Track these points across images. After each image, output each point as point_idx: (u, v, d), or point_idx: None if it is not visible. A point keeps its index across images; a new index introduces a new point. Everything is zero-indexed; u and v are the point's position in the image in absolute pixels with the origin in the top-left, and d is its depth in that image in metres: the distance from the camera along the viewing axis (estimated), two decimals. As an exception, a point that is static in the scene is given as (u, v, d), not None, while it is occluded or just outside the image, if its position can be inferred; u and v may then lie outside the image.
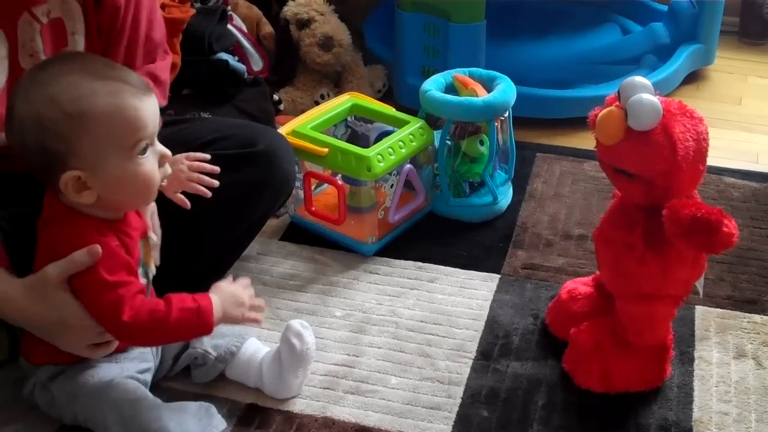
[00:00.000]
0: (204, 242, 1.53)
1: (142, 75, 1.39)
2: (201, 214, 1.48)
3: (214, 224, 1.53)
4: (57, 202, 1.23)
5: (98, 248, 1.19)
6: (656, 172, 1.27)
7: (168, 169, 1.27)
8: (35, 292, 1.21)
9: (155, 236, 1.36)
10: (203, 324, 1.25)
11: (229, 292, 1.29)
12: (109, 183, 1.20)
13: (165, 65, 1.53)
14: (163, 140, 1.27)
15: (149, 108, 1.20)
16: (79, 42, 1.38)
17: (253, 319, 1.31)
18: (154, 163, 1.23)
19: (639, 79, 1.28)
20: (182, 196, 1.42)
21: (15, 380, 1.39)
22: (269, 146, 1.55)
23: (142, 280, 1.29)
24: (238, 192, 1.51)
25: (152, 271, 1.34)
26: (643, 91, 1.26)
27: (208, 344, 1.40)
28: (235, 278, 1.35)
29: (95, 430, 1.29)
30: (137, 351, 1.35)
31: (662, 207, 1.28)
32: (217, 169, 1.43)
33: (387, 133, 1.84)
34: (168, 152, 1.26)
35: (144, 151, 1.21)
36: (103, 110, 1.16)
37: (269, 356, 1.41)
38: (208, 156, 1.44)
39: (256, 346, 1.44)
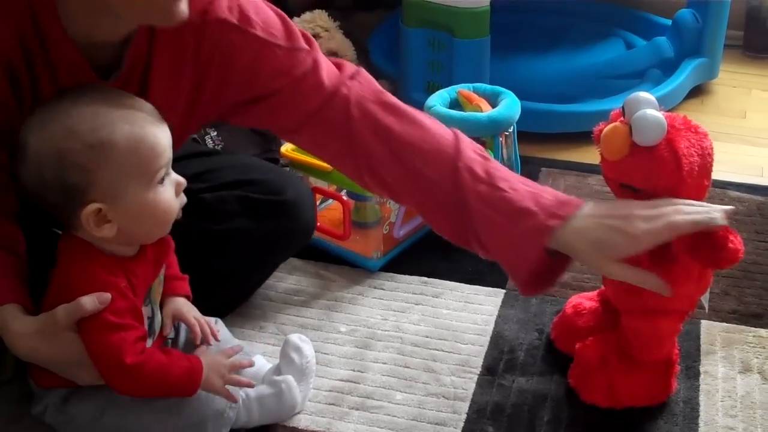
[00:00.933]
0: (221, 283, 1.55)
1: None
2: (221, 256, 1.50)
3: (233, 266, 1.55)
4: (72, 237, 1.22)
5: (108, 296, 1.19)
6: (661, 187, 1.28)
7: (183, 198, 1.26)
8: (46, 332, 1.20)
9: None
10: (192, 385, 1.25)
11: (213, 359, 1.28)
12: (129, 214, 1.19)
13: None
14: (185, 173, 1.28)
15: (166, 136, 1.20)
16: None
17: (227, 395, 1.28)
18: (172, 192, 1.23)
19: (643, 94, 1.28)
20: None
21: (22, 395, 1.39)
22: (296, 196, 1.57)
23: (147, 320, 1.30)
24: (261, 238, 1.54)
25: (157, 319, 1.34)
26: (648, 106, 1.26)
27: None
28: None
29: None
30: None
31: (667, 222, 1.28)
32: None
33: (392, 149, 1.84)
34: (183, 181, 1.25)
35: (162, 180, 1.21)
36: (124, 139, 1.15)
37: (270, 372, 1.41)
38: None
39: (260, 363, 1.44)
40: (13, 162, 1.20)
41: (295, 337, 1.40)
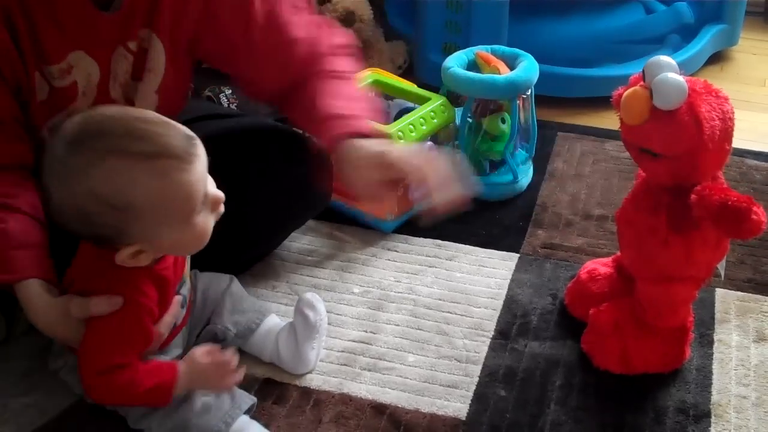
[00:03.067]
0: (240, 247, 1.55)
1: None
2: (242, 220, 1.48)
3: (252, 231, 1.55)
4: (97, 250, 1.19)
5: (119, 300, 1.18)
6: (682, 152, 1.26)
7: (221, 209, 1.21)
8: (63, 316, 1.20)
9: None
10: (162, 398, 1.23)
11: (200, 366, 1.25)
12: (167, 248, 1.19)
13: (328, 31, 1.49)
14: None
15: (198, 173, 1.13)
16: (153, 80, 1.39)
17: (223, 386, 1.26)
18: (208, 216, 1.18)
19: (664, 58, 1.26)
20: None
21: (38, 349, 1.40)
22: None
23: (181, 304, 1.30)
24: (281, 202, 1.54)
25: (188, 288, 1.34)
26: (669, 70, 1.24)
27: (229, 321, 1.40)
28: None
29: (126, 417, 1.29)
30: (173, 342, 1.34)
31: (687, 187, 1.27)
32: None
33: (408, 110, 1.83)
34: (221, 196, 1.20)
35: (199, 211, 1.16)
36: (151, 196, 1.10)
37: (284, 330, 1.41)
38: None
39: (273, 321, 1.44)
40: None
41: (309, 295, 1.40)
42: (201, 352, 1.25)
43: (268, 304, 1.50)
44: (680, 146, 1.26)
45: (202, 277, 1.44)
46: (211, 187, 1.18)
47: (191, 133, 1.15)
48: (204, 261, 1.40)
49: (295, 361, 1.41)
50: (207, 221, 1.19)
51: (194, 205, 1.15)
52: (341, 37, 1.49)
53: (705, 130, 1.23)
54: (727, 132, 1.27)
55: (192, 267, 1.39)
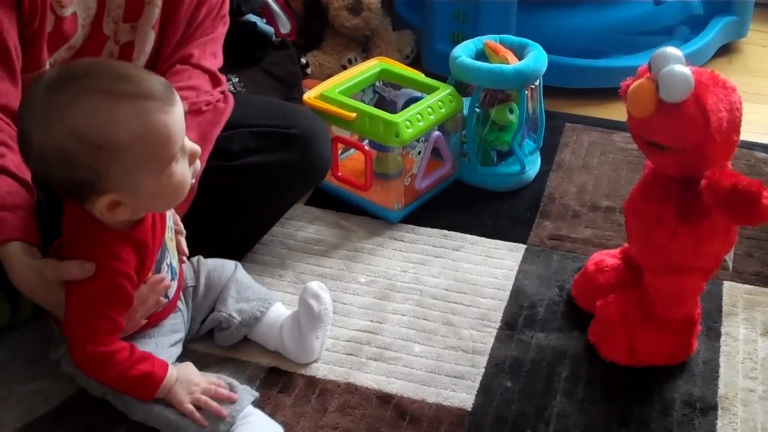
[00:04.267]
0: (234, 220, 1.54)
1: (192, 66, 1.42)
2: (234, 193, 1.48)
3: (246, 203, 1.54)
4: (78, 211, 1.19)
5: (92, 266, 1.17)
6: (689, 144, 1.25)
7: (198, 165, 1.22)
8: (41, 279, 1.20)
9: (181, 228, 1.36)
10: (146, 389, 1.23)
11: (188, 375, 1.26)
12: (144, 197, 1.16)
13: (215, 47, 1.51)
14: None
15: (177, 118, 1.15)
16: (152, 13, 1.39)
17: (190, 413, 1.23)
18: (186, 167, 1.19)
19: (671, 50, 1.25)
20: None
21: (41, 337, 1.40)
22: (307, 129, 1.56)
23: (167, 276, 1.29)
24: (274, 171, 1.52)
25: (177, 266, 1.34)
26: (675, 62, 1.23)
27: (233, 308, 1.40)
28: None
29: (119, 407, 1.29)
30: (170, 323, 1.35)
31: (695, 179, 1.26)
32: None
33: (415, 100, 1.82)
34: (197, 149, 1.21)
35: (177, 159, 1.17)
36: (132, 135, 1.10)
37: (288, 319, 1.41)
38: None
39: (279, 310, 1.43)
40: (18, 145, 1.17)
41: (314, 285, 1.39)
42: (201, 375, 1.28)
43: (273, 292, 1.50)
44: (687, 139, 1.25)
45: (206, 264, 1.44)
46: (187, 140, 1.19)
47: (168, 83, 1.17)
48: (202, 238, 1.41)
49: (299, 351, 1.40)
50: (185, 173, 1.18)
51: (173, 150, 1.15)
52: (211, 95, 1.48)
53: (712, 122, 1.23)
54: (734, 123, 1.27)
55: (195, 252, 1.39)
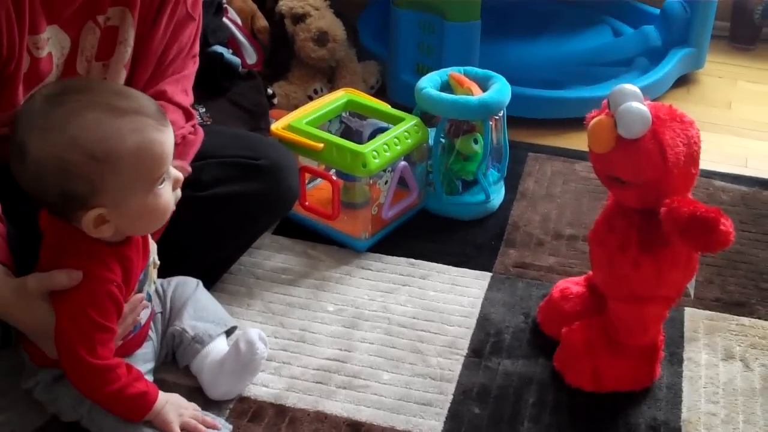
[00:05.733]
0: (203, 250, 1.55)
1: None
2: (203, 223, 1.49)
3: (215, 233, 1.55)
4: (60, 227, 1.20)
5: (79, 274, 1.18)
6: (648, 179, 1.29)
7: (179, 193, 1.25)
8: (20, 297, 1.20)
9: (156, 259, 1.36)
10: (140, 410, 1.24)
11: (177, 401, 1.29)
12: (130, 217, 1.18)
13: (187, 84, 1.53)
14: None
15: (170, 139, 1.19)
16: (124, 52, 1.40)
17: None
18: (170, 191, 1.22)
19: (628, 86, 1.28)
20: None
21: (10, 368, 1.39)
22: (275, 160, 1.57)
23: (142, 295, 1.30)
24: (242, 202, 1.54)
25: (152, 290, 1.35)
26: (632, 99, 1.26)
27: (187, 323, 1.41)
28: None
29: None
30: (141, 352, 1.35)
31: (656, 210, 1.29)
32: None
33: (381, 130, 1.85)
34: (181, 176, 1.24)
35: (163, 181, 1.19)
36: (131, 149, 1.13)
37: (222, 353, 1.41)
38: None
39: (222, 346, 1.43)
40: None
41: (254, 332, 1.38)
42: (189, 408, 1.29)
43: (242, 321, 1.50)
44: (646, 174, 1.28)
45: (170, 283, 1.45)
46: (171, 167, 1.22)
47: (160, 108, 1.20)
48: (170, 267, 1.42)
49: (209, 385, 1.39)
50: (169, 197, 1.21)
51: (164, 168, 1.18)
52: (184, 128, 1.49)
53: (669, 157, 1.26)
54: (692, 156, 1.30)
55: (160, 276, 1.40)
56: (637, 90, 1.28)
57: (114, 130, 1.13)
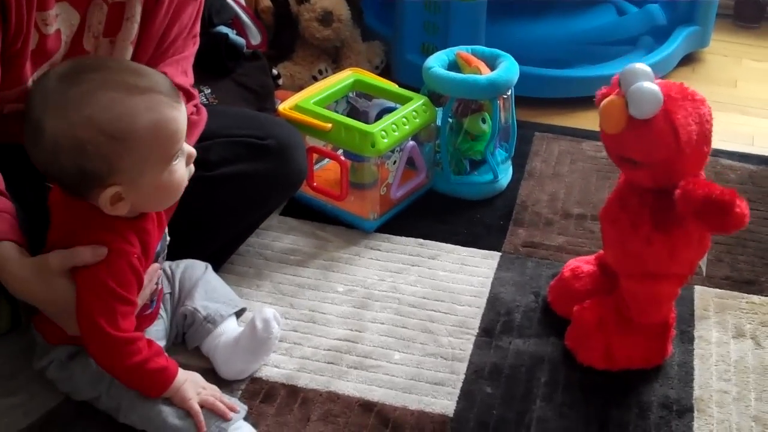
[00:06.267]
0: (211, 230, 1.55)
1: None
2: (211, 202, 1.48)
3: (223, 213, 1.54)
4: (75, 205, 1.20)
5: (104, 250, 1.18)
6: (660, 159, 1.28)
7: (192, 168, 1.25)
8: (39, 274, 1.20)
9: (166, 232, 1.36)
10: (162, 384, 1.23)
11: (196, 379, 1.28)
12: (145, 194, 1.18)
13: (186, 65, 1.51)
14: None
15: (183, 116, 1.19)
16: (131, 29, 1.38)
17: (195, 413, 1.24)
18: (184, 167, 1.22)
19: (639, 66, 1.27)
20: None
21: (20, 350, 1.39)
22: (282, 139, 1.57)
23: (156, 266, 1.30)
24: (250, 181, 1.53)
25: (164, 256, 1.35)
26: (644, 78, 1.26)
27: (199, 303, 1.41)
28: None
29: (109, 409, 1.29)
30: (154, 331, 1.35)
31: (669, 189, 1.28)
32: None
33: (387, 110, 1.84)
34: (193, 151, 1.24)
35: (177, 157, 1.20)
36: (146, 128, 1.13)
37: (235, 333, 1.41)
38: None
39: (233, 324, 1.43)
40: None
41: (269, 311, 1.38)
42: (208, 388, 1.28)
43: (251, 303, 1.50)
44: (658, 154, 1.27)
45: (179, 267, 1.45)
46: (186, 145, 1.22)
47: (173, 85, 1.20)
48: (179, 248, 1.41)
49: (223, 364, 1.40)
50: (183, 173, 1.22)
51: (178, 145, 1.18)
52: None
53: (682, 136, 1.25)
54: (704, 135, 1.29)
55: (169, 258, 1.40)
56: (649, 69, 1.27)
57: (129, 108, 1.13)
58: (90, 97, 1.12)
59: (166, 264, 1.42)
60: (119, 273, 1.19)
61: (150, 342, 1.24)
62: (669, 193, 1.29)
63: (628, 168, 1.34)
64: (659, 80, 1.28)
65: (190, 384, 1.26)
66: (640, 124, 1.26)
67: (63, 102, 1.12)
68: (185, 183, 1.23)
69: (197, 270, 1.46)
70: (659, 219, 1.33)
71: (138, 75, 1.17)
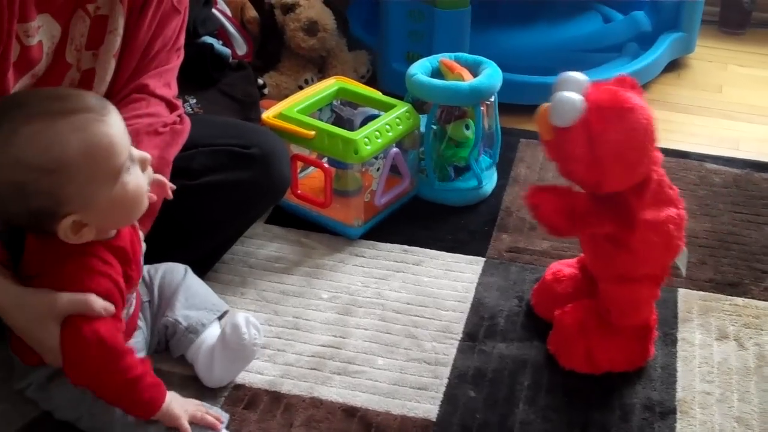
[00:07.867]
0: (195, 239, 1.55)
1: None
2: (194, 211, 1.49)
3: (206, 222, 1.55)
4: (45, 240, 1.17)
5: (112, 308, 1.17)
6: (576, 167, 1.30)
7: (151, 172, 1.22)
8: (17, 305, 1.18)
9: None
10: (153, 404, 1.21)
11: (176, 396, 1.26)
12: (104, 214, 1.15)
13: (170, 77, 1.51)
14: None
15: (117, 127, 1.14)
16: (114, 42, 1.39)
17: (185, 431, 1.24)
18: (139, 175, 1.19)
19: (572, 74, 1.29)
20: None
21: (2, 360, 1.38)
22: (265, 148, 1.57)
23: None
24: (233, 190, 1.54)
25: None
26: (571, 87, 1.27)
27: (180, 314, 1.40)
28: None
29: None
30: (132, 342, 1.33)
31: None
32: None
33: (372, 118, 1.85)
34: (147, 156, 1.21)
35: (127, 168, 1.16)
36: (79, 150, 1.10)
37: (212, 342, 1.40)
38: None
39: (215, 331, 1.42)
40: None
41: (241, 317, 1.37)
42: (191, 403, 1.28)
43: (236, 310, 1.50)
44: (572, 162, 1.29)
45: (157, 272, 1.44)
46: (134, 149, 1.19)
47: (100, 96, 1.19)
48: (162, 257, 1.42)
49: (204, 372, 1.39)
50: (139, 181, 1.18)
51: (120, 159, 1.14)
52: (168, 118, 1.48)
53: (597, 147, 1.26)
54: (632, 145, 1.27)
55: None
56: (582, 78, 1.28)
57: (56, 136, 1.09)
58: (13, 137, 1.08)
59: (145, 269, 1.40)
60: (106, 293, 1.18)
61: (143, 359, 1.22)
62: (624, 194, 1.30)
63: (565, 174, 1.35)
64: (599, 88, 1.28)
65: (177, 402, 1.24)
66: (561, 132, 1.28)
67: None
68: (145, 190, 1.20)
69: (177, 275, 1.45)
70: (618, 221, 1.33)
71: (59, 99, 1.13)
